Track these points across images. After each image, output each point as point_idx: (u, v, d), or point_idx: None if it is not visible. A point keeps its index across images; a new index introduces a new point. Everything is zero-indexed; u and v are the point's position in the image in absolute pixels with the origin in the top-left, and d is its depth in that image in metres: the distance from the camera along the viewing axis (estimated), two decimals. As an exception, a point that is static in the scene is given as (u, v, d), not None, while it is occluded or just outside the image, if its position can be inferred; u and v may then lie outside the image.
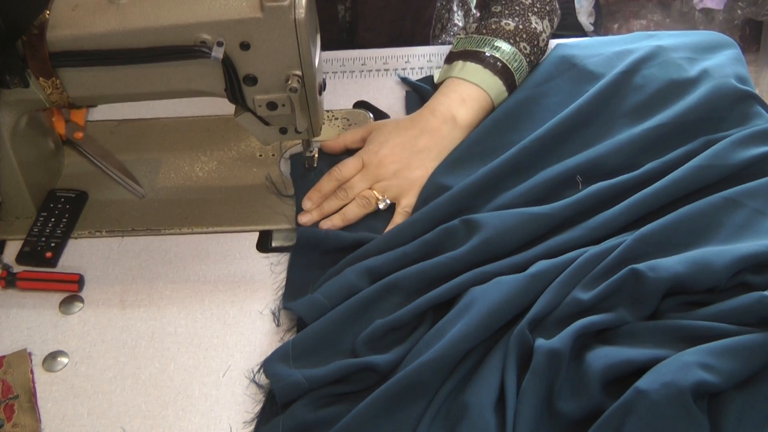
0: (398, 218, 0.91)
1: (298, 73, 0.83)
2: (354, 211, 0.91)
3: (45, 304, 0.86)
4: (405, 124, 0.97)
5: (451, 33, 1.23)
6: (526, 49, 1.01)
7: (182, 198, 0.96)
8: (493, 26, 1.02)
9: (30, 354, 0.81)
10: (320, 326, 0.79)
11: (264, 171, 0.99)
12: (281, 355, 0.78)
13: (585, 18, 2.28)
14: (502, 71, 0.99)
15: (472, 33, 1.03)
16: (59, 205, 0.94)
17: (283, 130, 0.89)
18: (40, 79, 0.83)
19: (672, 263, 0.77)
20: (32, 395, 0.78)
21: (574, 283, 0.79)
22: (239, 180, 0.98)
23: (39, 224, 0.92)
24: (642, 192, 0.86)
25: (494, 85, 0.98)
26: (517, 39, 1.01)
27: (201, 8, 0.80)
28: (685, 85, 0.97)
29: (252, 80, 0.83)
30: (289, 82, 0.82)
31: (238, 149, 1.02)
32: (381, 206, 0.92)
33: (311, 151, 0.96)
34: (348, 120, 1.05)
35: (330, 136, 1.01)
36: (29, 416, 0.76)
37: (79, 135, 1.02)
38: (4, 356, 0.81)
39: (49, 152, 0.99)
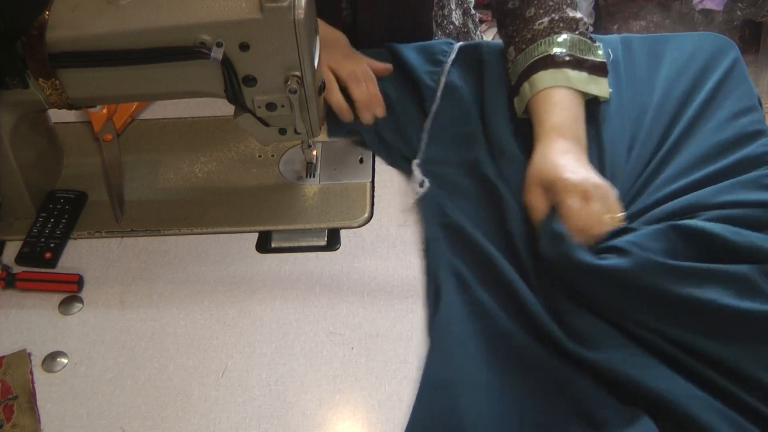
0: None
1: (298, 74, 0.83)
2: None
3: (44, 304, 0.86)
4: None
5: (447, 30, 1.22)
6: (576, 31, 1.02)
7: (182, 199, 0.96)
8: (535, 29, 1.00)
9: (29, 354, 0.81)
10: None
11: (263, 172, 0.99)
12: None
13: (585, 19, 2.28)
14: (568, 62, 0.96)
15: (520, 54, 1.00)
16: (59, 206, 0.94)
17: (283, 131, 0.89)
18: (40, 80, 0.83)
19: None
20: (32, 396, 0.78)
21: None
22: (239, 181, 0.98)
23: (38, 225, 0.92)
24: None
25: (565, 77, 0.95)
26: (557, 30, 1.00)
27: (200, 9, 0.80)
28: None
29: (251, 81, 0.83)
30: (289, 83, 0.82)
31: (238, 150, 1.02)
32: None
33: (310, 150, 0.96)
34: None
35: (329, 138, 1.01)
36: (29, 417, 0.76)
37: (109, 138, 1.00)
38: (3, 357, 0.81)
39: (48, 153, 0.99)
